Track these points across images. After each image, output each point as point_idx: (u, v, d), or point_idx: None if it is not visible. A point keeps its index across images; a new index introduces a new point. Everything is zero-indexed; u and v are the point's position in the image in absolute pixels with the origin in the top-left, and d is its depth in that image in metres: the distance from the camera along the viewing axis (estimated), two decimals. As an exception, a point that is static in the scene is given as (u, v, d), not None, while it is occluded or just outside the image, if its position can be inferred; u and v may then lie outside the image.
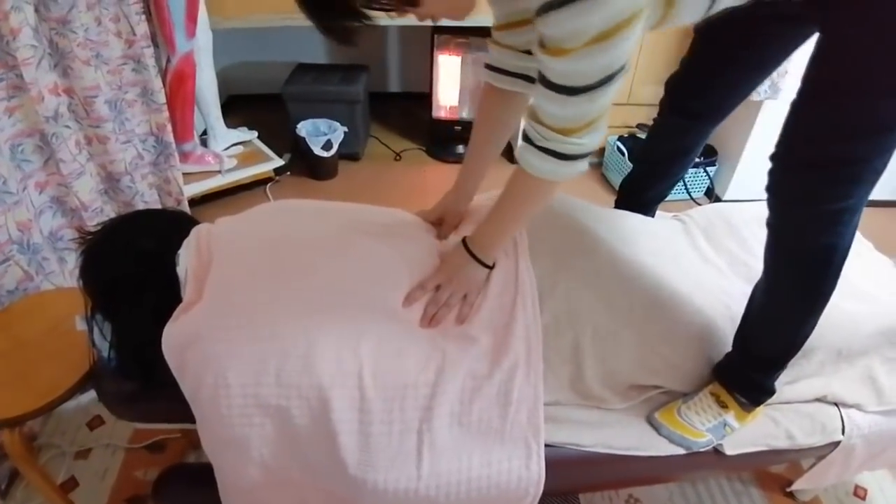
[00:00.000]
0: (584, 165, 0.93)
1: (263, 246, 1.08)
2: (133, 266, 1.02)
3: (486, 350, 1.05)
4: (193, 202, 2.41)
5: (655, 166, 1.51)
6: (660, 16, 0.89)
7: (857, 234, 1.63)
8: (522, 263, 1.14)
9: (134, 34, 1.97)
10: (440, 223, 1.27)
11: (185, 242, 1.05)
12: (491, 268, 1.11)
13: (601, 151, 3.06)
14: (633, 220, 1.40)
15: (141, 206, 2.13)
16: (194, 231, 1.08)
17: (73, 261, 1.85)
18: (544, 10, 0.75)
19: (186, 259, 1.02)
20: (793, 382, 1.21)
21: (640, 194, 1.53)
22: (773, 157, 1.02)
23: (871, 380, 1.27)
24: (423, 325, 1.06)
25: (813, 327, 1.10)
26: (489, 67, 1.15)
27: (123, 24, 1.95)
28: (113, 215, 2.02)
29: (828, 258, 1.02)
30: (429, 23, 0.93)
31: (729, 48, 1.23)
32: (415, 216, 1.28)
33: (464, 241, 1.11)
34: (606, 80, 0.81)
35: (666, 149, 1.48)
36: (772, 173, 1.03)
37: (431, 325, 1.06)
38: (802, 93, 0.97)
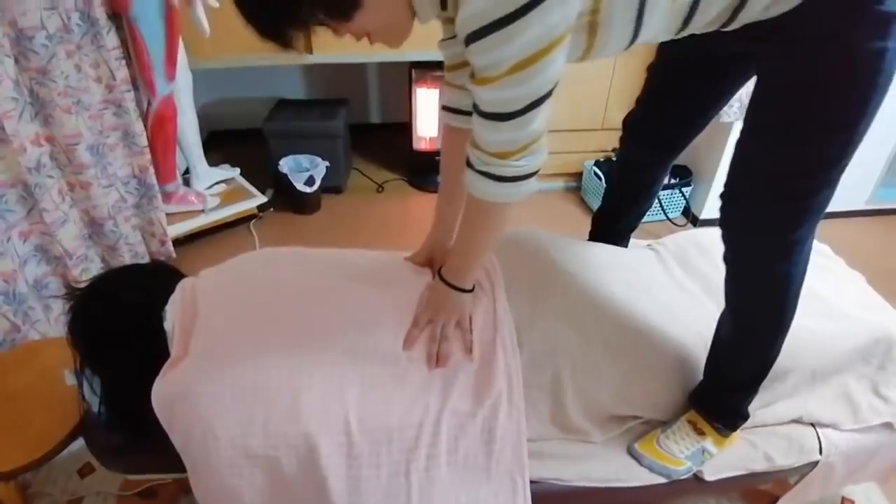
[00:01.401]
0: (529, 186, 0.95)
1: (247, 298, 1.10)
2: (121, 323, 1.04)
3: (468, 389, 1.07)
4: (177, 242, 2.42)
5: (622, 200, 1.56)
6: (584, 47, 0.92)
7: (828, 251, 1.70)
8: (500, 303, 1.17)
9: (114, 79, 2.00)
10: (430, 264, 1.29)
11: (172, 298, 1.07)
12: (471, 290, 1.14)
13: (579, 176, 3.13)
14: (606, 253, 1.44)
15: (125, 249, 2.14)
16: (180, 286, 1.11)
17: (58, 308, 1.86)
18: (468, 41, 0.80)
19: (173, 315, 1.04)
20: (769, 405, 1.25)
21: (611, 225, 1.58)
22: (722, 196, 1.07)
23: (847, 398, 1.31)
24: (432, 367, 1.07)
25: (779, 350, 1.14)
26: (445, 108, 1.18)
27: (103, 70, 1.98)
28: (97, 260, 2.04)
29: (785, 286, 1.07)
30: (366, 43, 0.95)
31: (681, 85, 1.28)
32: (402, 259, 1.30)
33: (439, 273, 1.13)
34: (532, 106, 0.85)
35: (629, 183, 1.52)
36: (723, 210, 1.08)
37: (440, 364, 1.07)
38: (744, 133, 1.02)
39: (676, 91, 1.30)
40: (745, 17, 0.93)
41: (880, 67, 0.89)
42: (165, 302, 1.07)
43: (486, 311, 1.16)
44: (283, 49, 0.86)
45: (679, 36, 0.98)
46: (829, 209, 1.03)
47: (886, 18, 0.86)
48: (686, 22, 0.92)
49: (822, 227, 1.05)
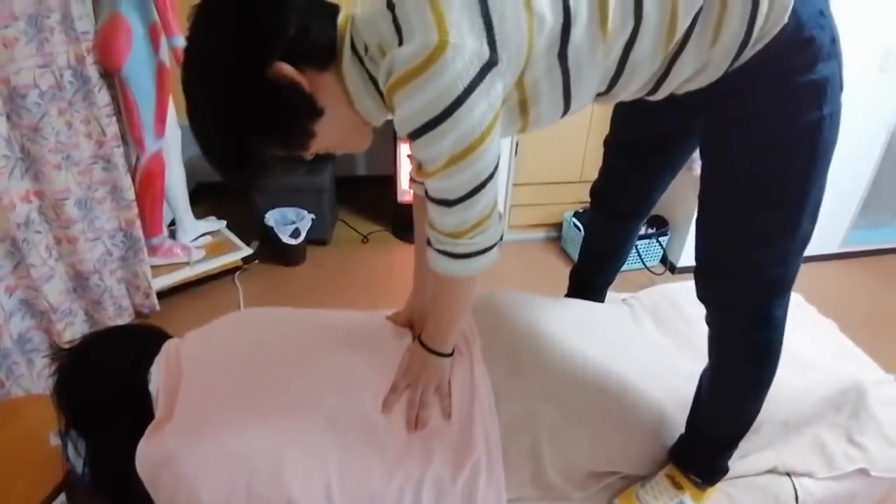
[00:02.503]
0: (487, 259, 0.98)
1: (231, 361, 1.12)
2: (106, 387, 1.06)
3: (448, 454, 1.08)
4: (162, 294, 2.43)
5: (596, 259, 1.61)
6: (520, 124, 0.97)
7: (800, 300, 1.75)
8: (478, 367, 1.19)
9: (104, 135, 2.04)
10: (411, 325, 1.30)
11: (156, 360, 1.09)
12: (451, 354, 1.16)
13: (559, 226, 3.20)
14: (581, 311, 1.48)
15: (109, 303, 2.14)
16: (164, 348, 1.13)
17: (41, 363, 1.85)
18: (409, 138, 0.84)
19: (157, 377, 1.06)
20: (744, 457, 1.27)
21: (588, 281, 1.62)
22: (695, 272, 1.12)
23: (821, 447, 1.33)
24: (410, 431, 1.08)
25: (759, 408, 1.17)
26: (413, 180, 1.22)
27: (94, 126, 2.02)
28: (81, 314, 2.04)
29: (766, 350, 1.11)
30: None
31: (636, 160, 1.35)
32: (384, 319, 1.32)
33: (419, 338, 1.16)
34: (476, 190, 0.88)
35: (602, 246, 1.58)
36: (696, 286, 1.13)
37: (419, 429, 1.09)
38: (701, 209, 1.08)
39: (632, 166, 1.37)
40: (668, 88, 0.97)
41: (819, 137, 0.93)
42: (150, 363, 1.09)
43: (464, 375, 1.17)
44: (247, 190, 0.92)
45: (608, 102, 1.03)
46: (803, 253, 1.05)
47: (818, 86, 0.91)
48: (610, 90, 0.96)
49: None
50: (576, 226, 2.95)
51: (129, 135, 2.23)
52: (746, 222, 1.01)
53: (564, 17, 0.82)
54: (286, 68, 0.80)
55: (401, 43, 0.79)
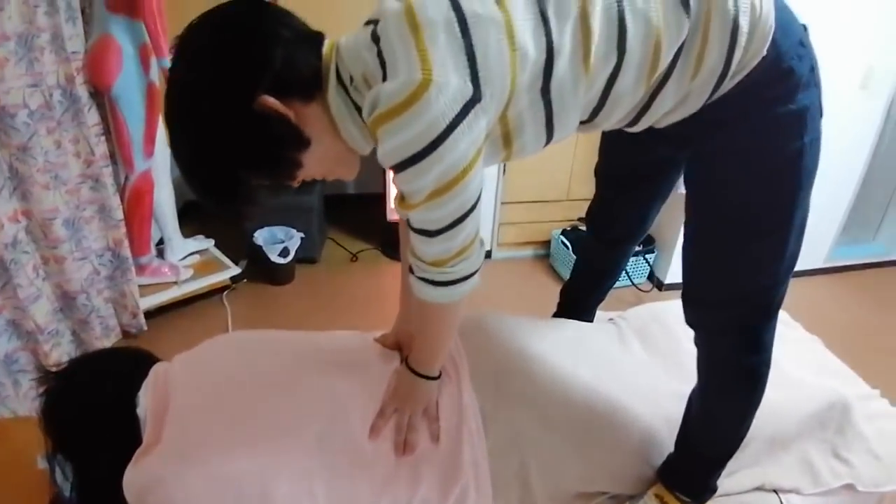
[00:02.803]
0: (469, 285, 0.99)
1: (219, 385, 1.12)
2: (93, 411, 1.05)
3: (435, 478, 1.08)
4: (149, 314, 2.42)
5: (587, 279, 1.63)
6: (503, 154, 0.98)
7: (786, 317, 1.77)
8: (465, 390, 1.19)
9: (93, 154, 2.04)
10: (399, 347, 1.30)
11: (144, 384, 1.09)
12: (438, 377, 1.16)
13: (547, 244, 3.23)
14: (568, 331, 1.49)
15: (96, 323, 2.13)
16: (152, 371, 1.12)
17: (27, 383, 1.84)
18: (392, 171, 0.85)
19: (145, 401, 1.06)
20: (731, 474, 1.28)
21: (578, 300, 1.64)
22: (682, 297, 1.14)
23: (808, 464, 1.34)
24: (399, 455, 1.08)
25: (748, 428, 1.18)
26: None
27: (83, 146, 2.02)
28: (68, 335, 2.03)
29: (755, 373, 1.12)
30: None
31: (626, 189, 1.37)
32: (372, 341, 1.32)
33: (406, 361, 1.16)
34: (457, 221, 0.88)
35: (594, 266, 1.60)
36: (685, 311, 1.14)
37: (406, 453, 1.08)
38: (687, 239, 1.09)
39: (622, 196, 1.39)
40: (648, 120, 0.99)
41: (800, 164, 0.95)
42: (138, 387, 1.08)
43: (452, 398, 1.18)
44: (233, 217, 0.93)
45: (591, 131, 1.04)
46: (791, 274, 1.06)
47: (798, 116, 0.92)
48: (592, 119, 0.97)
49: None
50: (564, 243, 2.97)
51: (119, 154, 2.23)
52: (734, 251, 1.03)
53: (547, 52, 0.83)
54: (272, 101, 0.80)
55: (385, 77, 0.80)
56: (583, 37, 0.84)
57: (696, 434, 1.20)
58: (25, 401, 1.82)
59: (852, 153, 2.90)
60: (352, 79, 0.86)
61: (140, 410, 1.05)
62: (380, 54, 0.81)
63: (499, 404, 1.21)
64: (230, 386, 1.11)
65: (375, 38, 0.82)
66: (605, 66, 0.88)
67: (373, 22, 0.87)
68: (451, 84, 0.76)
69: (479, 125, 0.81)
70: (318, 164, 0.91)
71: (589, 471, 1.20)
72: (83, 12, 2.00)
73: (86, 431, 1.04)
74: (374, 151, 0.91)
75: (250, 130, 0.81)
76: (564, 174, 3.07)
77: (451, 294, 0.98)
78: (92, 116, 2.02)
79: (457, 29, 0.78)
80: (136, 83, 2.12)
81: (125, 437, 1.03)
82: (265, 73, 0.80)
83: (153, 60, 2.15)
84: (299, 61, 0.84)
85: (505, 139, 0.93)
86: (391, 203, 3.06)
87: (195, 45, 0.82)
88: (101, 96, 2.10)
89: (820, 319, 1.85)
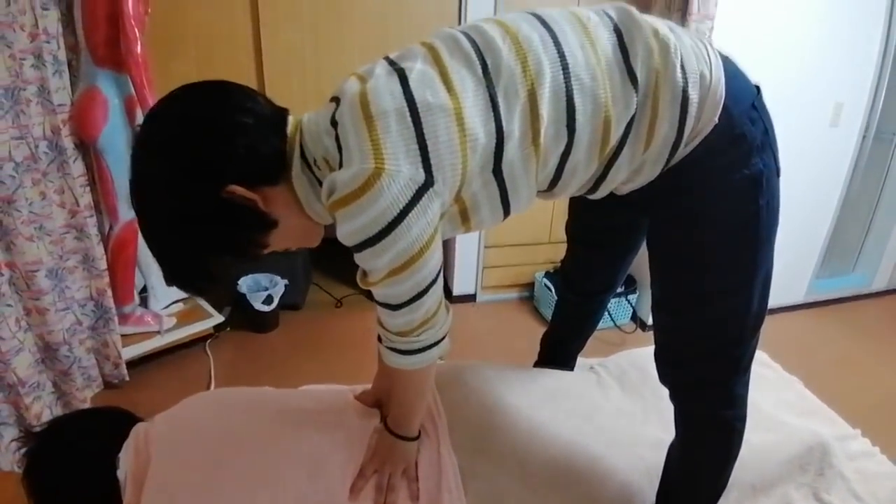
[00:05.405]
0: (438, 351, 1.01)
1: (200, 445, 1.12)
2: (74, 472, 1.06)
3: None
4: (131, 364, 2.38)
5: (566, 330, 1.65)
6: (464, 229, 1.01)
7: (765, 358, 1.79)
8: (444, 446, 1.21)
9: (77, 205, 2.04)
10: (378, 405, 1.30)
11: (125, 445, 1.09)
12: (417, 437, 1.17)
13: (531, 286, 3.25)
14: (548, 381, 1.50)
15: (78, 374, 2.10)
16: (133, 432, 1.13)
17: (9, 434, 1.81)
18: (353, 251, 0.88)
19: (126, 463, 1.06)
20: (715, 523, 1.28)
21: (558, 351, 1.66)
22: (654, 356, 1.17)
23: (790, 507, 1.36)
24: None
25: (728, 478, 1.20)
26: None
27: (67, 196, 2.03)
28: (49, 387, 1.99)
29: (731, 427, 1.14)
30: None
31: (595, 246, 1.42)
32: (352, 399, 1.32)
33: (385, 423, 1.17)
34: (418, 296, 0.91)
35: (572, 317, 1.62)
36: (657, 370, 1.17)
37: None
38: (653, 301, 1.13)
39: (593, 254, 1.44)
40: (606, 188, 1.03)
41: (758, 226, 0.98)
42: (119, 448, 1.09)
43: (431, 456, 1.19)
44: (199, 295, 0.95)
45: (552, 199, 1.08)
46: (769, 305, 1.08)
47: (754, 180, 0.95)
48: (551, 189, 1.01)
49: (764, 322, 1.10)
50: (547, 286, 3.00)
51: (103, 204, 2.24)
52: (699, 312, 1.06)
53: (497, 136, 0.86)
54: (239, 189, 0.82)
55: (342, 163, 0.83)
56: (532, 120, 0.87)
57: (676, 487, 1.21)
58: (7, 454, 1.78)
59: (827, 188, 2.98)
60: (314, 160, 0.89)
61: (120, 473, 1.05)
62: (337, 139, 0.85)
63: (478, 460, 1.22)
64: (210, 447, 1.11)
65: (334, 123, 0.86)
66: (557, 146, 0.91)
67: (335, 100, 0.90)
68: (402, 172, 0.79)
69: (433, 208, 0.84)
70: (284, 240, 0.93)
71: None
72: (70, 65, 2.03)
73: (67, 494, 1.05)
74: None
75: (218, 220, 0.83)
76: (546, 217, 3.13)
77: (420, 361, 1.00)
78: (77, 167, 2.03)
79: (408, 118, 0.81)
80: (122, 134, 2.14)
81: (105, 500, 1.04)
82: (229, 166, 0.82)
83: (139, 112, 2.18)
84: (263, 148, 0.85)
85: (462, 216, 0.97)
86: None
87: (159, 137, 0.83)
88: (86, 147, 2.11)
89: (802, 354, 1.88)
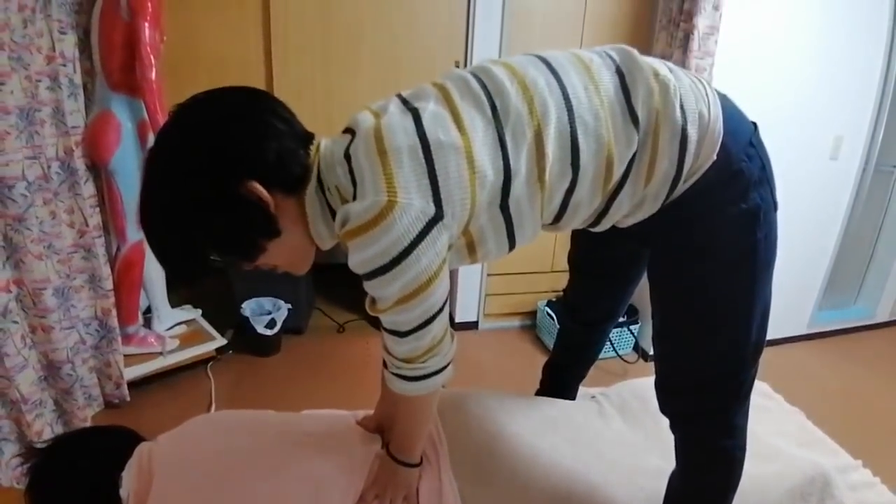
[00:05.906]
0: (442, 377, 1.03)
1: (202, 467, 1.13)
2: (76, 490, 1.07)
3: None
4: (133, 384, 2.38)
5: (567, 359, 1.66)
6: (470, 261, 1.04)
7: (767, 389, 1.79)
8: (445, 473, 1.21)
9: (87, 225, 2.07)
10: (380, 430, 1.31)
11: (128, 464, 1.10)
12: (419, 464, 1.18)
13: (533, 314, 3.26)
14: (550, 410, 1.51)
15: (80, 393, 2.10)
16: (136, 451, 1.14)
17: (9, 450, 1.81)
18: (363, 279, 0.90)
19: (128, 481, 1.07)
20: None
21: (559, 380, 1.66)
22: (655, 386, 1.18)
23: (790, 539, 1.34)
24: None
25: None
26: None
27: (77, 216, 2.06)
28: (50, 404, 2.00)
29: (730, 457, 1.15)
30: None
31: (597, 277, 1.44)
32: (354, 424, 1.33)
33: (387, 448, 1.18)
34: (425, 324, 0.93)
35: (573, 347, 1.64)
36: (658, 399, 1.19)
37: None
38: (654, 332, 1.15)
39: (595, 285, 1.46)
40: (608, 222, 1.06)
41: (755, 259, 1.01)
42: (122, 467, 1.09)
43: (432, 483, 1.19)
44: (189, 287, 0.97)
45: (556, 232, 1.11)
46: (772, 336, 1.10)
47: (751, 214, 0.98)
48: (556, 223, 1.04)
49: (766, 354, 1.12)
50: (549, 314, 3.01)
51: (112, 225, 2.27)
52: (698, 343, 1.08)
53: (505, 174, 0.90)
54: (258, 187, 0.85)
55: (355, 195, 0.86)
56: (538, 159, 0.91)
57: None
58: (8, 470, 1.78)
59: (828, 220, 3.00)
60: (328, 186, 0.92)
61: (123, 491, 1.06)
62: (350, 172, 0.88)
63: (479, 488, 1.23)
64: (213, 468, 1.12)
65: (348, 157, 0.89)
66: (562, 183, 0.94)
67: (349, 131, 0.93)
68: (413, 205, 0.83)
69: (442, 240, 0.87)
70: (279, 254, 0.95)
71: None
72: (85, 88, 2.08)
73: None
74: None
75: (230, 211, 0.85)
76: (549, 246, 3.15)
77: (425, 387, 1.02)
78: (88, 188, 2.07)
79: (421, 155, 0.85)
80: (133, 158, 2.18)
81: None
82: (257, 162, 0.85)
83: (150, 136, 2.22)
84: (290, 159, 0.89)
85: (469, 248, 0.99)
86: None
87: (194, 118, 0.86)
88: (97, 169, 2.15)
89: (804, 385, 1.88)
